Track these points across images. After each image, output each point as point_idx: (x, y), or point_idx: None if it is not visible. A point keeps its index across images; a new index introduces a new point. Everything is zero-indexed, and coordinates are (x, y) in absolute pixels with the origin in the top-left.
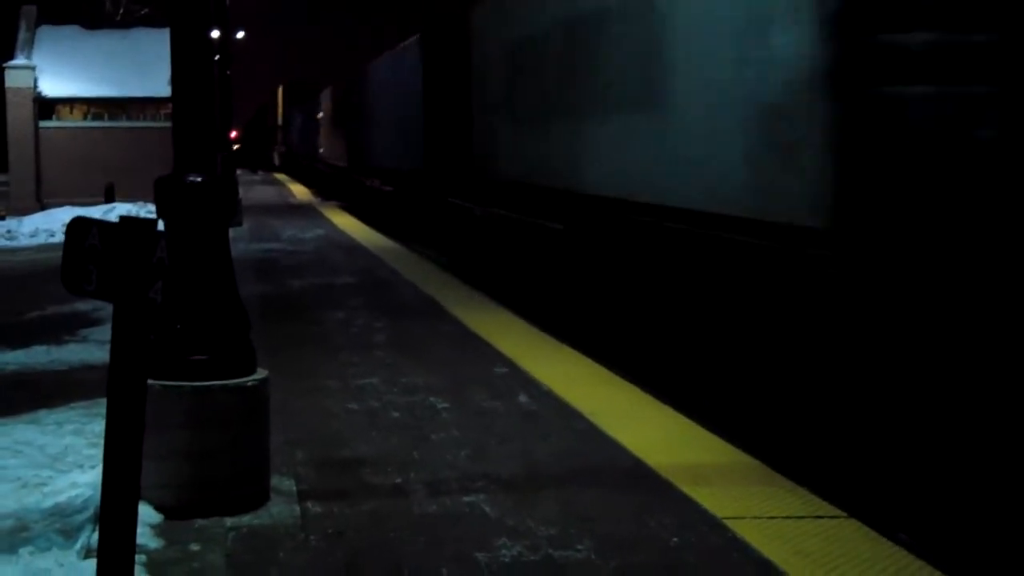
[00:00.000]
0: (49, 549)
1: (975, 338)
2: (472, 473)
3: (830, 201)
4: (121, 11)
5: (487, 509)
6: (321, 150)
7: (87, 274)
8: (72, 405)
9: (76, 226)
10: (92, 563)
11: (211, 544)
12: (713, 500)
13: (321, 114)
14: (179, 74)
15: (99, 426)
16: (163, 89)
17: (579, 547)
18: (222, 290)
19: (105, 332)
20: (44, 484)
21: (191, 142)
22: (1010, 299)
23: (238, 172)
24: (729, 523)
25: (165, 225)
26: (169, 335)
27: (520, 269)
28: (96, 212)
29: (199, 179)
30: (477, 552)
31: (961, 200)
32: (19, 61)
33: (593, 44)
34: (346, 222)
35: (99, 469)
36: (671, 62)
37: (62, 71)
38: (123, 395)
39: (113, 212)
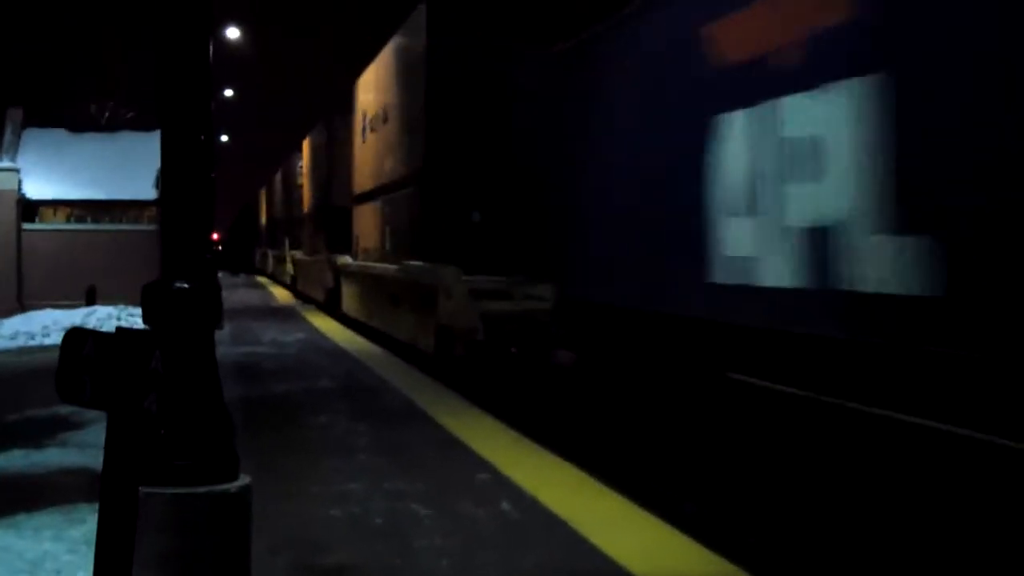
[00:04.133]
0: None
1: None
2: None
3: None
4: (107, 115)
5: None
6: None
7: (81, 384)
8: (51, 510)
9: (72, 336)
10: None
11: None
12: None
13: None
14: (170, 177)
15: (78, 532)
16: (147, 192)
17: None
18: (207, 395)
19: (85, 436)
20: None
21: (180, 247)
22: None
23: (219, 274)
24: None
25: (151, 331)
26: (152, 440)
27: None
28: (77, 315)
29: (187, 286)
30: None
31: None
32: (4, 164)
33: None
34: (328, 325)
35: None
36: None
37: (47, 174)
38: (115, 503)
39: (94, 315)
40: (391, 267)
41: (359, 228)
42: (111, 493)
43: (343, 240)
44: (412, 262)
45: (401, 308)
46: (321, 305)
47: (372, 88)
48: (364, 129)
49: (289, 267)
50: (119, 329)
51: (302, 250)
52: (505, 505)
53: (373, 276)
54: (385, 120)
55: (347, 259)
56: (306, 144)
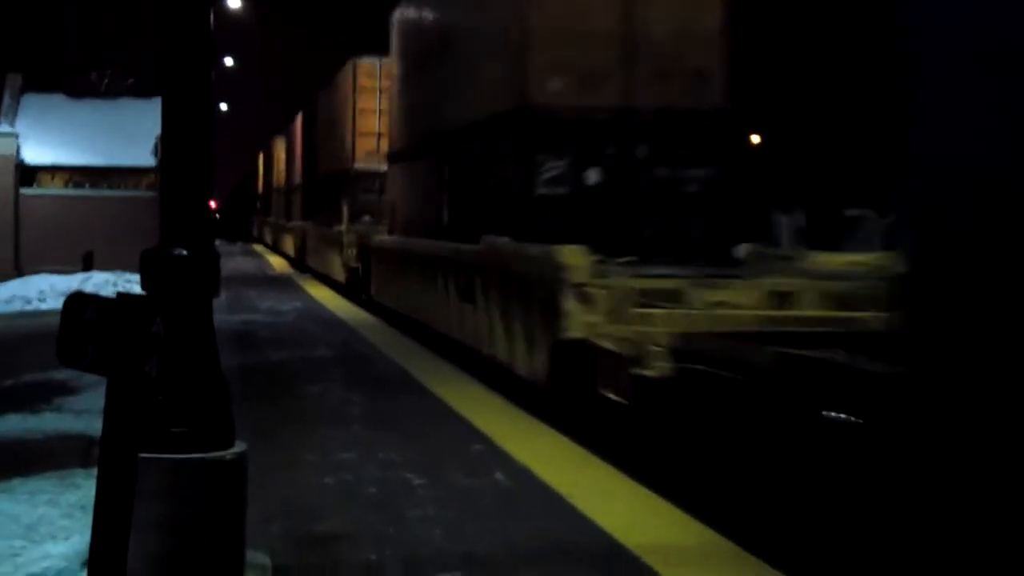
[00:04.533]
0: None
1: None
2: (448, 551)
3: None
4: (106, 81)
5: None
6: None
7: (82, 348)
8: (46, 475)
9: (73, 301)
10: None
11: None
12: None
13: None
14: (170, 145)
15: (73, 496)
16: (146, 159)
17: None
18: (205, 362)
19: (80, 401)
20: (17, 555)
21: (179, 214)
22: None
23: (216, 242)
24: None
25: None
26: (150, 406)
27: None
28: (74, 280)
29: (185, 253)
30: None
31: None
32: (2, 128)
33: None
34: (323, 294)
35: (73, 540)
36: None
37: (45, 139)
38: (114, 468)
39: (90, 281)
40: (466, 247)
41: (396, 194)
42: (110, 458)
43: (366, 209)
44: (501, 239)
45: (482, 308)
46: (342, 286)
47: (426, 13)
48: (407, 71)
49: (294, 239)
50: (120, 294)
51: (312, 220)
52: (499, 475)
53: (429, 258)
54: (446, 49)
55: (382, 234)
56: (320, 99)
